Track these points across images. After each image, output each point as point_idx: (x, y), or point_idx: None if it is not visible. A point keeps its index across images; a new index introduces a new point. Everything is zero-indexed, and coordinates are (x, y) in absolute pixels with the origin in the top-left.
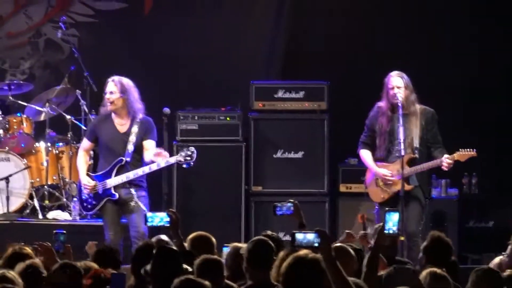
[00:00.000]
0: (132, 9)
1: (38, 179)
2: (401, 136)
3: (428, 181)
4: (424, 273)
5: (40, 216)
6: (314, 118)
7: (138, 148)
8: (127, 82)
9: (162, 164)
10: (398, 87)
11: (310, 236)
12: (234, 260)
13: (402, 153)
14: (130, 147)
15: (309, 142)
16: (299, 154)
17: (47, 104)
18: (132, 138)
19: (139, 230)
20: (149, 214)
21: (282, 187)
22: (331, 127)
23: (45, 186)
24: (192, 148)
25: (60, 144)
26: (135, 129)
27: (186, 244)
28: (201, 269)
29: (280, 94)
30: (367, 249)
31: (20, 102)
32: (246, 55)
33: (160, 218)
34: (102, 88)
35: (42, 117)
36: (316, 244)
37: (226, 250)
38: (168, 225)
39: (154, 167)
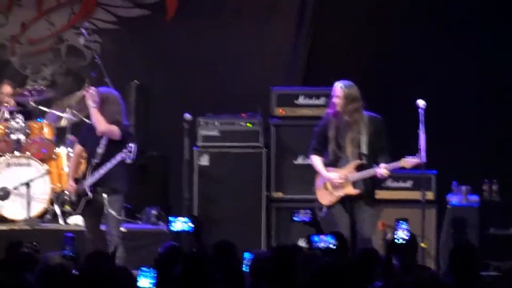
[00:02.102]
0: (154, 16)
1: (59, 185)
2: (348, 142)
3: (372, 190)
4: None
5: (61, 222)
6: None
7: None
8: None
9: (114, 162)
10: (337, 96)
11: (327, 239)
12: (256, 267)
13: (353, 158)
14: (100, 150)
15: None
16: None
17: (68, 110)
18: (103, 141)
19: (111, 235)
20: (172, 219)
21: (303, 193)
22: None
23: (66, 192)
24: (132, 144)
25: None
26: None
27: (209, 250)
28: (224, 276)
29: (301, 100)
30: None
31: (41, 107)
32: (267, 61)
33: (182, 223)
34: (122, 94)
35: (63, 123)
36: (333, 246)
37: (248, 257)
38: (190, 230)
39: (108, 165)
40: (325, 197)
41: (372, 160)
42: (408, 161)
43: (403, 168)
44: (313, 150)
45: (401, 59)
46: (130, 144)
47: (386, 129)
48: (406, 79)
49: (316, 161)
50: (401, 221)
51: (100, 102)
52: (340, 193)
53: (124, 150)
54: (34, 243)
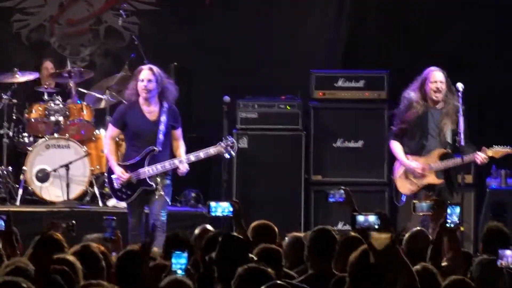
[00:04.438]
0: None
1: (98, 167)
2: (433, 131)
3: (456, 177)
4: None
5: (100, 204)
6: (374, 108)
7: (167, 137)
8: (161, 71)
9: (202, 156)
10: (441, 82)
11: (371, 218)
12: (294, 249)
13: (436, 147)
14: (161, 137)
15: (369, 131)
16: (359, 143)
17: (107, 92)
18: (162, 127)
19: (158, 219)
20: (212, 203)
21: (342, 176)
22: (391, 116)
23: (105, 174)
24: (231, 138)
25: None
26: (163, 118)
27: (248, 233)
28: (260, 258)
29: (340, 83)
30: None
31: (80, 89)
32: (307, 44)
33: (223, 208)
34: None
35: (102, 105)
36: (377, 226)
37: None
38: (231, 215)
39: (192, 158)
40: (405, 186)
41: (456, 149)
42: (498, 151)
43: (492, 158)
44: (393, 136)
45: (443, 38)
46: (230, 138)
47: (466, 117)
48: (445, 62)
49: (397, 147)
50: (453, 205)
51: (162, 80)
52: (423, 182)
53: (221, 144)
54: (71, 223)
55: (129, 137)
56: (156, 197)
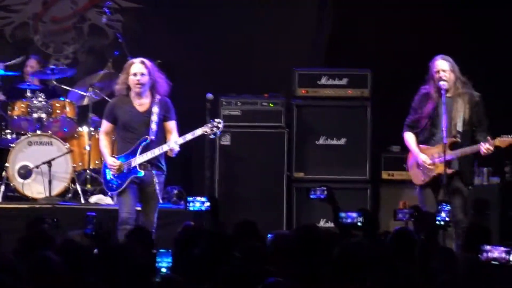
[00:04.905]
0: None
1: (80, 163)
2: (443, 123)
3: (470, 169)
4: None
5: (82, 201)
6: (357, 105)
7: (160, 128)
8: (152, 64)
9: (189, 137)
10: (444, 70)
11: (354, 215)
12: (277, 247)
13: (445, 141)
14: (154, 126)
15: (352, 129)
16: (342, 141)
17: (90, 89)
18: (154, 118)
19: (149, 219)
20: (189, 198)
21: (324, 174)
22: (373, 114)
23: (87, 171)
24: (219, 119)
25: None
26: (155, 109)
27: (231, 230)
28: (244, 255)
29: (323, 81)
30: None
31: (63, 86)
32: (290, 42)
33: (200, 203)
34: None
35: (85, 102)
36: (359, 223)
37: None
38: (208, 209)
39: (180, 140)
40: (418, 177)
41: (468, 138)
42: (504, 140)
43: (498, 148)
44: (407, 127)
45: (429, 36)
46: (217, 119)
47: (483, 107)
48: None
49: (410, 138)
50: (444, 204)
51: (152, 73)
52: (433, 172)
53: (208, 125)
54: (55, 219)
55: (121, 131)
56: (149, 195)
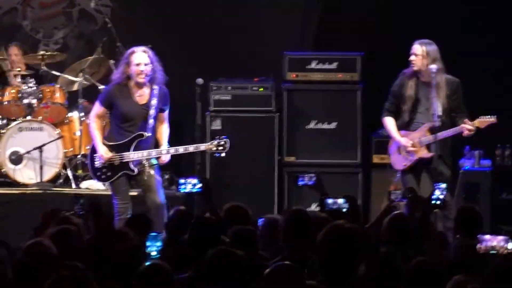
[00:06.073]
0: None
1: (71, 149)
2: (423, 105)
3: (449, 152)
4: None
5: (74, 186)
6: (347, 89)
7: (155, 121)
8: (152, 52)
9: (191, 150)
10: (416, 55)
11: (340, 201)
12: (268, 231)
13: (435, 119)
14: (151, 121)
15: (342, 113)
16: (332, 125)
17: (80, 74)
18: (152, 112)
19: (155, 202)
20: (181, 180)
21: (315, 158)
22: (364, 98)
23: (78, 156)
24: (226, 138)
25: None
26: (154, 101)
27: (221, 214)
28: (234, 239)
29: (313, 65)
30: None
31: (53, 72)
32: (280, 26)
33: (192, 185)
34: None
35: (75, 87)
36: (345, 209)
37: (261, 221)
38: (200, 191)
39: (181, 150)
40: (399, 162)
41: (447, 122)
42: (483, 121)
43: (478, 128)
44: (386, 112)
45: (419, 19)
46: (223, 138)
47: (462, 91)
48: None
49: (389, 123)
50: (439, 183)
51: (153, 62)
52: (414, 157)
53: (213, 142)
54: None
55: (116, 119)
56: (146, 179)
